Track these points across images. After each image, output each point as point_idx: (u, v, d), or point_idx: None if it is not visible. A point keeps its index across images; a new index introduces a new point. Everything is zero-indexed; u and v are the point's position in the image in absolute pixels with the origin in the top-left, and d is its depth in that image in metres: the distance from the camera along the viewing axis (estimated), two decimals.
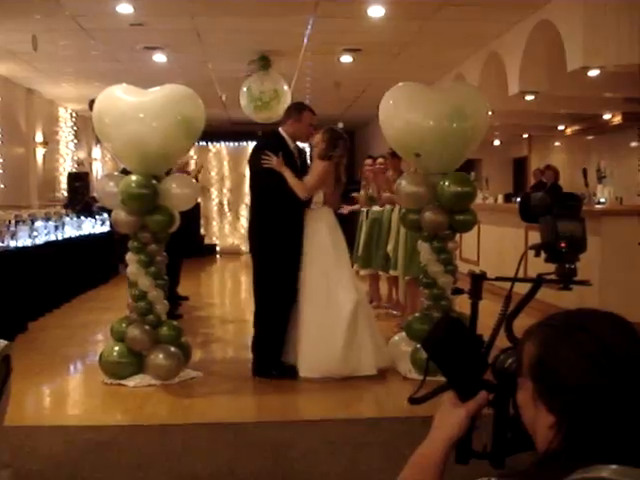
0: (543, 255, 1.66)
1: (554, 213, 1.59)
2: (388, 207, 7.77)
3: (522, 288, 1.56)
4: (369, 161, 8.66)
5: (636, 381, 1.14)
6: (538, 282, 1.57)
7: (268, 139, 6.04)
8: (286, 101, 10.69)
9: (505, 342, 1.52)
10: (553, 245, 1.56)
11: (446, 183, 5.57)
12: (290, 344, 5.74)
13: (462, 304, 5.75)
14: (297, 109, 5.98)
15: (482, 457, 1.42)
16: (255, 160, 5.75)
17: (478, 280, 1.64)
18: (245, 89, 10.65)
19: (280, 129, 5.92)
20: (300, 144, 6.08)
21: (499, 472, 1.25)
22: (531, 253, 1.61)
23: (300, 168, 5.83)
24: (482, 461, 1.45)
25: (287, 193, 5.59)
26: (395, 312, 8.03)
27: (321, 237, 5.76)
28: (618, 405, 1.13)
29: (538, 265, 1.60)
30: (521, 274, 1.62)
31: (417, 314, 5.94)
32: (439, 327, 1.47)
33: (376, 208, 8.20)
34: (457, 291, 5.42)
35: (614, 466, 1.08)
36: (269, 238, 5.68)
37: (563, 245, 1.55)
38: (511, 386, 1.34)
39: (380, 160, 8.19)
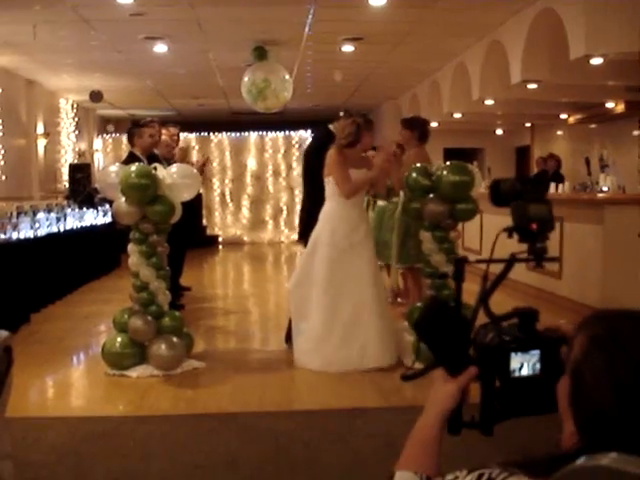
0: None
1: (524, 198, 1.77)
2: (396, 199, 7.70)
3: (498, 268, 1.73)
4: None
5: None
6: (512, 261, 1.75)
7: (327, 134, 6.17)
8: (286, 90, 10.60)
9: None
10: (525, 227, 1.75)
11: (444, 172, 5.55)
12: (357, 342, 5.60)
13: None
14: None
15: (472, 427, 1.51)
16: (317, 153, 5.99)
17: (460, 263, 1.87)
18: (246, 79, 10.61)
19: (330, 126, 6.16)
20: None
21: (515, 462, 1.27)
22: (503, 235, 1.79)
23: None
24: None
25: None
26: (390, 300, 7.97)
27: (363, 229, 5.82)
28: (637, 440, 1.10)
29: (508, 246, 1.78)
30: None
31: (419, 303, 5.93)
32: (427, 310, 1.57)
33: (381, 203, 8.16)
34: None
35: (614, 454, 1.07)
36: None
37: (534, 227, 1.74)
38: (493, 360, 1.45)
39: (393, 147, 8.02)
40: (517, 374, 1.45)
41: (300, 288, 5.79)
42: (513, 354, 1.44)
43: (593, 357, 1.16)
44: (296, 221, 18.50)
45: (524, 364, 1.45)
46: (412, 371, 1.67)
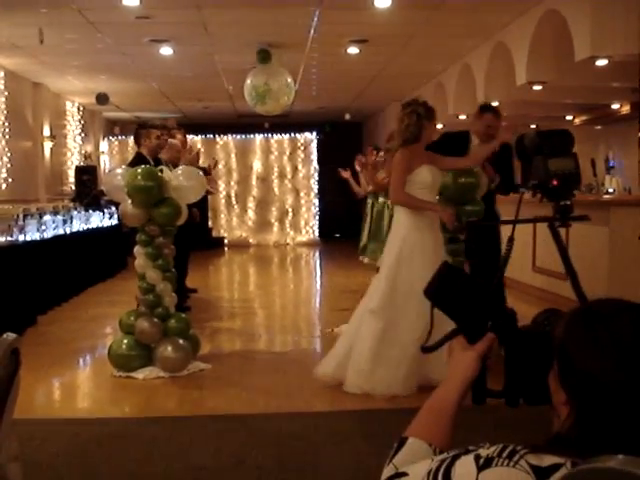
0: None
1: (544, 152, 1.61)
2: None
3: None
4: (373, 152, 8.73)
5: None
6: (535, 221, 1.64)
7: (451, 139, 5.90)
8: (286, 94, 10.59)
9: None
10: (545, 184, 1.60)
11: (450, 175, 5.54)
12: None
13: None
14: (480, 109, 6.03)
15: (497, 396, 1.46)
16: None
17: (471, 226, 1.75)
18: (248, 82, 10.61)
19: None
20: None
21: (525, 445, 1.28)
22: None
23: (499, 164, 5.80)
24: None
25: None
26: None
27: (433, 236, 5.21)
28: (629, 400, 1.16)
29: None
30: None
31: None
32: (437, 274, 1.51)
33: (381, 199, 8.19)
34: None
35: (621, 456, 1.08)
36: None
37: (555, 183, 1.59)
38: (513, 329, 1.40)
39: (381, 154, 8.13)
40: None
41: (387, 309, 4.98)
42: None
43: (573, 329, 1.22)
44: (302, 223, 18.59)
45: None
46: (431, 342, 1.58)
